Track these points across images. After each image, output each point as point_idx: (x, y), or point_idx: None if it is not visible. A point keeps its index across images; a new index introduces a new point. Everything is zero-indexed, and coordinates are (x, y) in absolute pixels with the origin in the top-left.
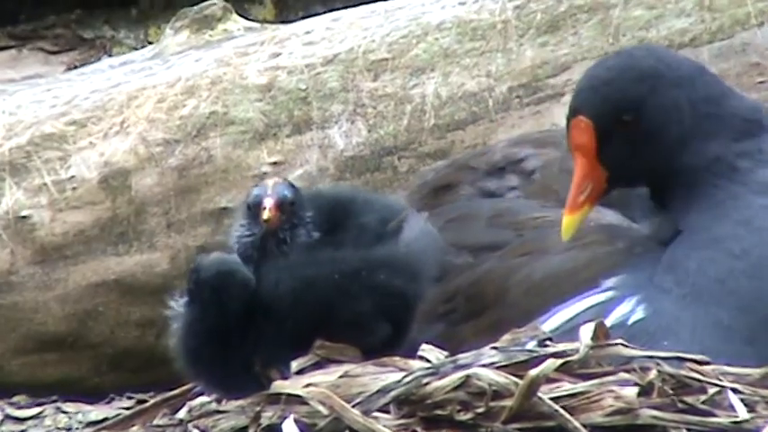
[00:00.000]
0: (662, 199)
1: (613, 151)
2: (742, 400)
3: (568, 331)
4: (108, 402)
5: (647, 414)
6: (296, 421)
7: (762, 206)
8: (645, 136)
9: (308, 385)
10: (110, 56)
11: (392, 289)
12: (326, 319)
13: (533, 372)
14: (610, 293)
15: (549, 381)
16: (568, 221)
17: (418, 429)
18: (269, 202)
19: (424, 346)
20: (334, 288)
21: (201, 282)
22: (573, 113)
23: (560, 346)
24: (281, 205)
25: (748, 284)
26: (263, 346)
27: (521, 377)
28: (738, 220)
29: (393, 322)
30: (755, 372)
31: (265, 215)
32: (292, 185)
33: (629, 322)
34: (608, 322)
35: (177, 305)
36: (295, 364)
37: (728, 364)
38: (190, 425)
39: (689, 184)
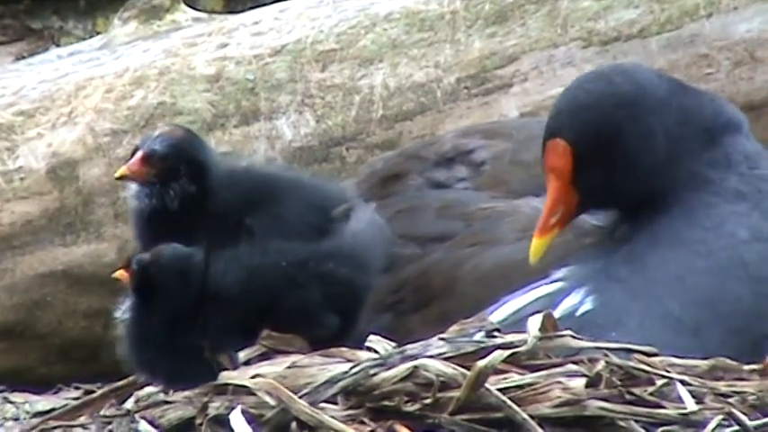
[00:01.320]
0: (630, 214)
1: (588, 176)
2: (690, 392)
3: (517, 322)
4: (55, 393)
5: (594, 405)
6: (243, 412)
7: (732, 212)
8: (620, 162)
9: (255, 376)
10: (58, 46)
11: (340, 279)
12: (274, 309)
13: (481, 363)
14: (559, 284)
15: (497, 372)
16: (537, 244)
17: (366, 420)
18: (136, 156)
19: (371, 336)
20: (281, 278)
21: (164, 267)
22: (550, 135)
23: (508, 338)
24: (148, 159)
25: (708, 281)
26: (211, 333)
27: (468, 368)
28: (708, 227)
29: (341, 313)
30: (703, 363)
31: (120, 170)
32: (178, 137)
33: (578, 313)
34: (556, 313)
35: (122, 311)
36: (242, 355)
37: (675, 356)
38: (137, 415)
39: (662, 202)
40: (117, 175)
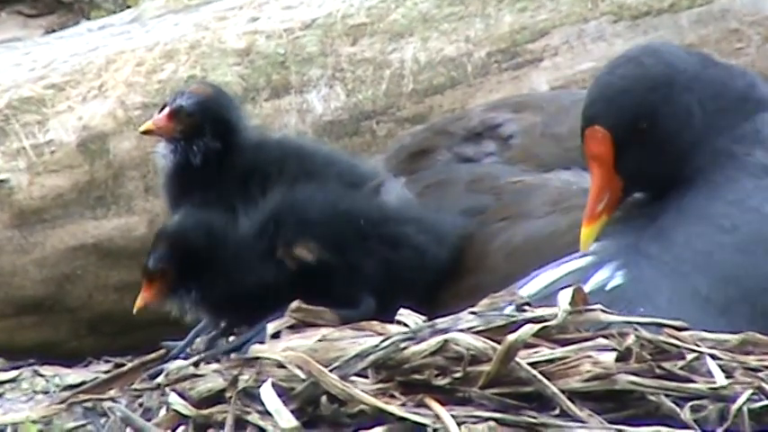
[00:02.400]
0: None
1: (630, 160)
2: (720, 366)
3: (547, 296)
4: (85, 366)
5: (624, 379)
6: (273, 385)
7: (756, 187)
8: (660, 143)
9: (285, 349)
10: (88, 19)
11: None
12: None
13: (511, 337)
14: (589, 259)
15: (527, 346)
16: (587, 232)
17: (396, 394)
18: (163, 112)
19: (401, 310)
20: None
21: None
22: (588, 123)
23: (538, 312)
24: (175, 115)
25: (735, 257)
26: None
27: (499, 342)
28: (732, 200)
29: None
30: (733, 338)
31: (145, 125)
32: (206, 94)
33: (608, 288)
34: (586, 288)
35: None
36: (271, 327)
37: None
38: (167, 388)
39: (688, 178)
40: (142, 129)
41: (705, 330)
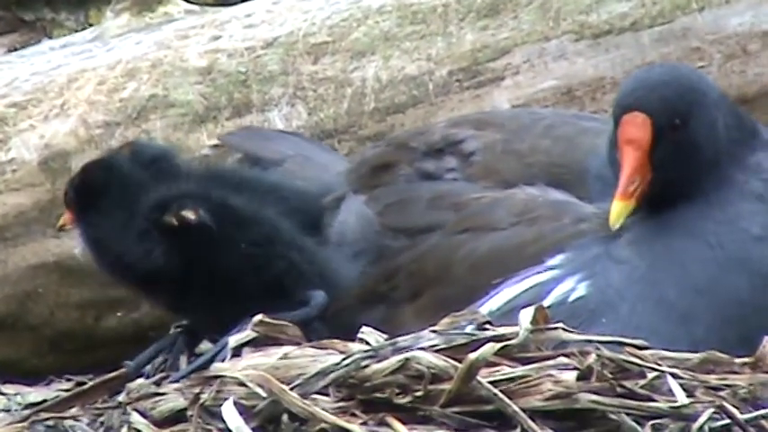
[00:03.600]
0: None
1: (662, 152)
2: (681, 385)
3: (510, 311)
4: (47, 384)
5: (586, 398)
6: (235, 403)
7: (750, 211)
8: (688, 145)
9: (246, 368)
10: (50, 38)
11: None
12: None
13: (473, 355)
14: (552, 272)
15: (489, 364)
16: (619, 207)
17: (357, 412)
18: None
19: (363, 328)
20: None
21: None
22: (627, 109)
23: (500, 330)
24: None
25: (712, 271)
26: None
27: (460, 360)
28: (722, 220)
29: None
30: (695, 357)
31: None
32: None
33: (570, 299)
34: (549, 300)
35: None
36: (233, 341)
37: (666, 348)
38: (129, 407)
39: (685, 194)
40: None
41: (665, 339)
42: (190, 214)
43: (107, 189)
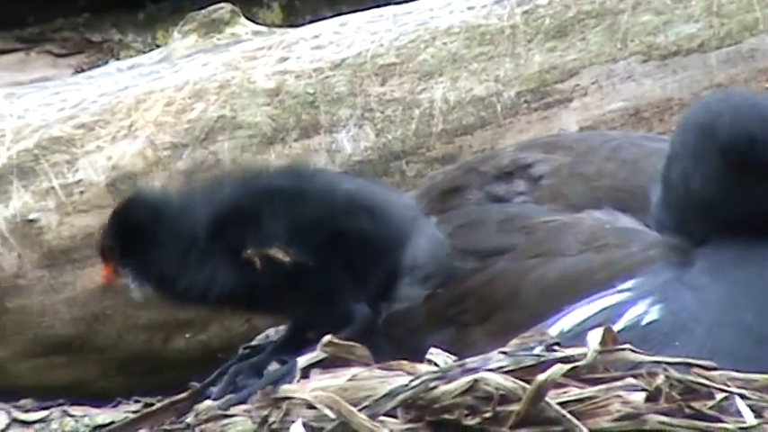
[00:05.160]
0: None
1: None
2: (749, 406)
3: (581, 333)
4: (115, 406)
5: (654, 420)
6: (303, 425)
7: None
8: (761, 172)
9: (315, 389)
10: (117, 59)
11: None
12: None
13: (541, 377)
14: (624, 295)
15: (557, 386)
16: None
17: None
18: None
19: (431, 349)
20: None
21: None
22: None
23: (568, 351)
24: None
25: None
26: None
27: (528, 382)
28: None
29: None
30: (763, 377)
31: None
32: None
33: (643, 323)
34: (621, 323)
35: None
36: (302, 361)
37: (736, 369)
38: (196, 429)
39: (759, 228)
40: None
41: (742, 362)
42: (280, 255)
43: (150, 223)
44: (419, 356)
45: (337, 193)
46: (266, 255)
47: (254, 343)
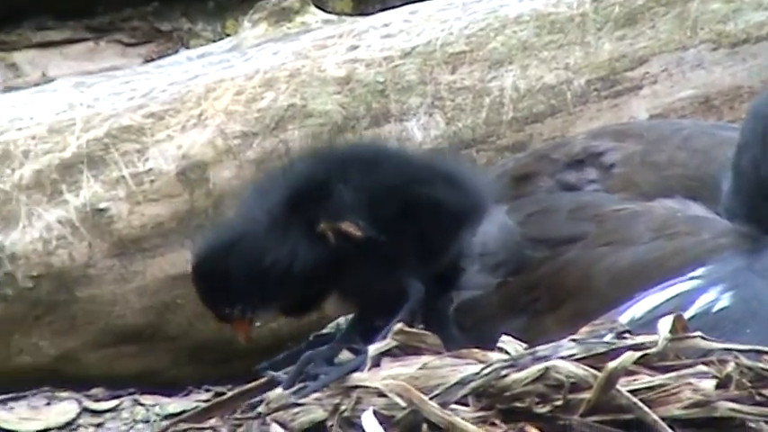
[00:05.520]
0: None
1: None
2: None
3: (652, 320)
4: (186, 395)
5: (724, 407)
6: (374, 413)
7: None
8: None
9: (386, 378)
10: (187, 48)
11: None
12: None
13: (612, 364)
14: (695, 282)
15: (628, 373)
16: None
17: (496, 422)
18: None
19: (503, 337)
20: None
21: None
22: None
23: (639, 339)
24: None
25: None
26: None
27: (599, 370)
28: None
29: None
30: None
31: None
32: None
33: (714, 310)
34: (692, 310)
35: None
36: (372, 349)
37: None
38: (268, 418)
39: None
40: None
41: None
42: (351, 229)
43: (224, 262)
44: (490, 344)
45: (413, 161)
46: (338, 229)
47: (324, 331)
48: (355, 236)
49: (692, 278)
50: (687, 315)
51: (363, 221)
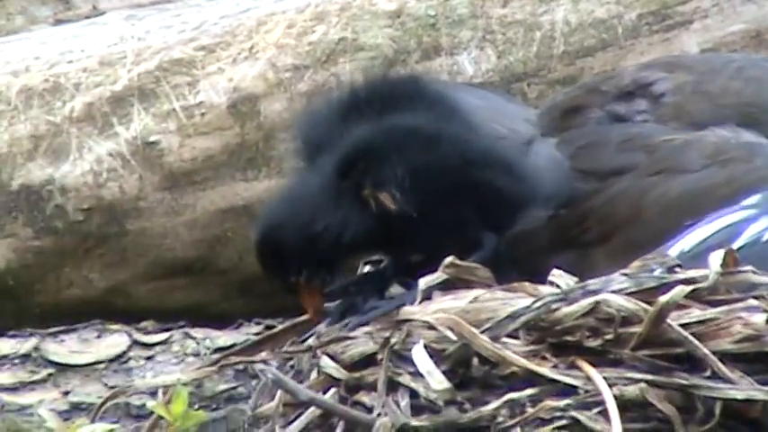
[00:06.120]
0: None
1: None
2: None
3: (702, 252)
4: (236, 328)
5: None
6: (425, 347)
7: None
8: None
9: (436, 311)
10: None
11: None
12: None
13: (663, 298)
14: (745, 212)
15: (678, 307)
16: None
17: (547, 355)
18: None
19: (554, 271)
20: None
21: None
22: None
23: (690, 273)
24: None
25: None
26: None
27: (650, 304)
28: None
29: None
30: None
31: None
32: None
33: (764, 239)
34: (741, 240)
35: None
36: (423, 283)
37: None
38: (319, 351)
39: None
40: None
41: None
42: (387, 201)
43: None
44: (541, 278)
45: (473, 145)
46: (377, 197)
47: (374, 258)
48: (390, 208)
49: (743, 207)
50: (736, 245)
51: (406, 195)
